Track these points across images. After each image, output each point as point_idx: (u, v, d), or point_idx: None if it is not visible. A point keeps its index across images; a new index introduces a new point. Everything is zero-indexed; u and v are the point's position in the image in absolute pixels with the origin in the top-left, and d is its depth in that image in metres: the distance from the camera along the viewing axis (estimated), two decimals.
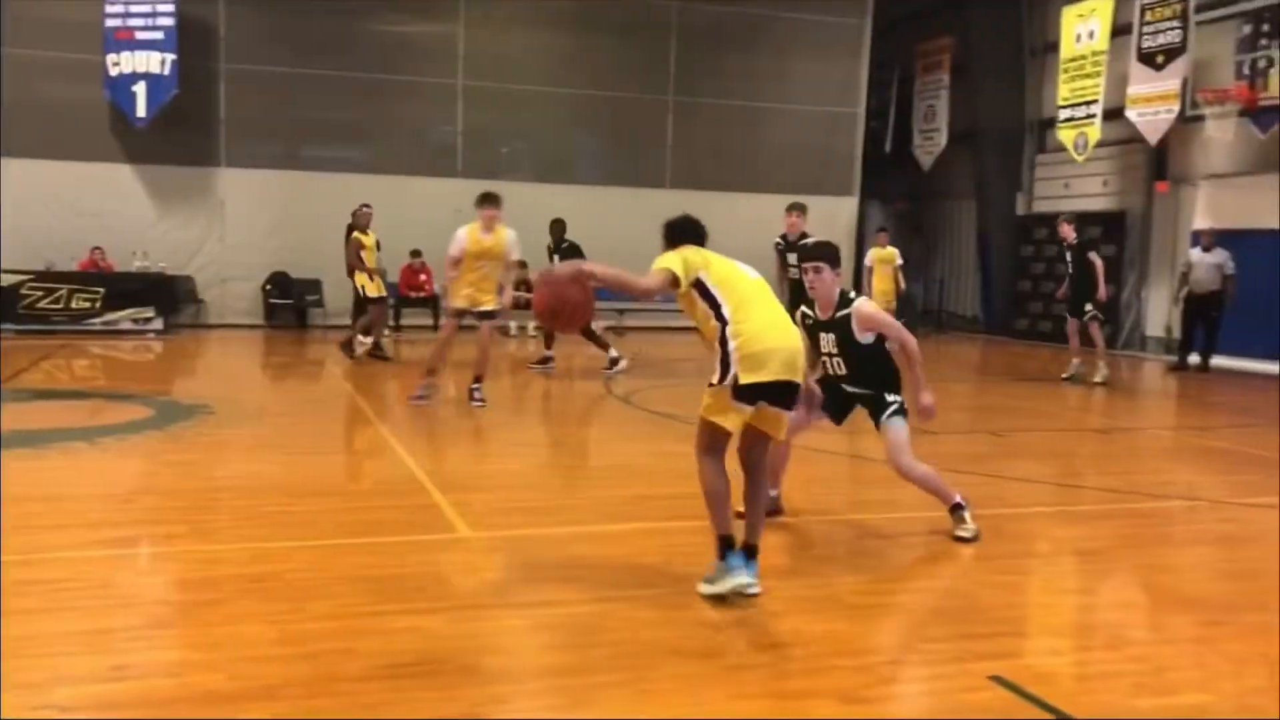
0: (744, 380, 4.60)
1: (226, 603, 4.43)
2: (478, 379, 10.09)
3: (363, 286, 13.58)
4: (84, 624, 4.16)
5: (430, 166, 19.38)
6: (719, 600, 4.57)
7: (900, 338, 5.77)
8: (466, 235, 9.99)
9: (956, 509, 5.87)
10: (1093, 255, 13.12)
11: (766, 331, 4.70)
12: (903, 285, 17.40)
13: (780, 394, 4.71)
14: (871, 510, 6.74)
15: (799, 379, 4.76)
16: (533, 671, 3.95)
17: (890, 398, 5.82)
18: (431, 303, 18.30)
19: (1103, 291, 13.00)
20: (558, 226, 13.77)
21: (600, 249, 18.64)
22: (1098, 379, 12.82)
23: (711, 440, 4.77)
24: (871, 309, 5.79)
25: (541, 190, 19.49)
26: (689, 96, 20.47)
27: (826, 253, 5.83)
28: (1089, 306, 13.04)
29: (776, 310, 4.86)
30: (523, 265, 17.79)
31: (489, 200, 10.11)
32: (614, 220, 19.33)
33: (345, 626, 4.19)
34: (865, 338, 5.71)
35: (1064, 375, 13.31)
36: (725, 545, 4.69)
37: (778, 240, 11.02)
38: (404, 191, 18.85)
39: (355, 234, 13.62)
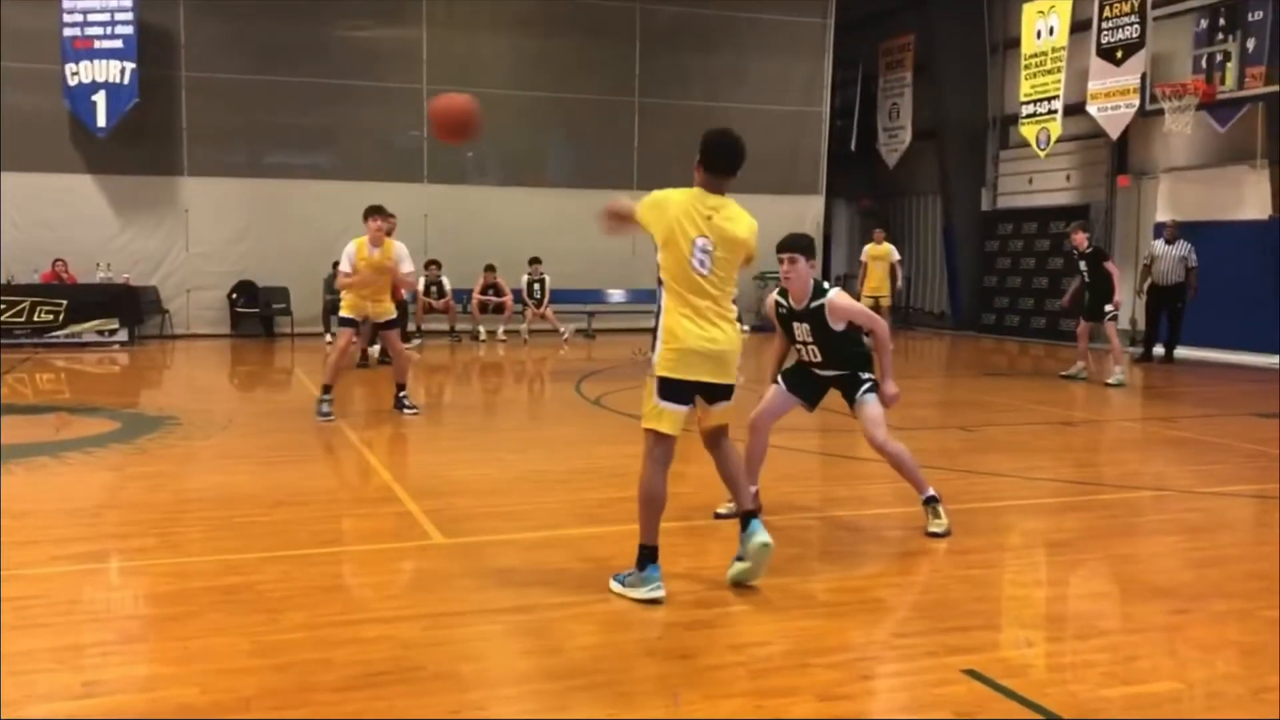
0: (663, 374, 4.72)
1: (199, 616, 4.40)
2: (401, 387, 10.07)
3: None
4: (54, 640, 4.11)
5: (396, 172, 19.28)
6: (648, 602, 4.59)
7: (872, 325, 5.90)
8: (355, 250, 9.84)
9: (930, 502, 5.92)
10: (1109, 264, 13.10)
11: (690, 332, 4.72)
12: (900, 282, 17.64)
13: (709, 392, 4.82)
14: (842, 507, 6.77)
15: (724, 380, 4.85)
16: (509, 677, 3.95)
17: (864, 375, 5.93)
18: (399, 307, 18.19)
19: (1119, 296, 13.03)
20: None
21: (568, 250, 18.86)
22: (1112, 380, 12.76)
23: (653, 445, 4.83)
24: (845, 300, 5.87)
25: (509, 193, 19.51)
26: (654, 98, 20.49)
27: (802, 244, 5.96)
28: (1109, 308, 12.98)
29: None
30: (435, 265, 17.73)
31: (375, 212, 9.95)
32: (582, 222, 19.28)
33: (320, 636, 4.18)
34: (838, 326, 5.81)
35: (1063, 373, 13.41)
36: (647, 556, 4.69)
37: None
38: (369, 198, 18.64)
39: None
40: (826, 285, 5.91)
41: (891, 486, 7.21)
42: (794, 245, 5.93)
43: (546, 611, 4.52)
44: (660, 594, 4.63)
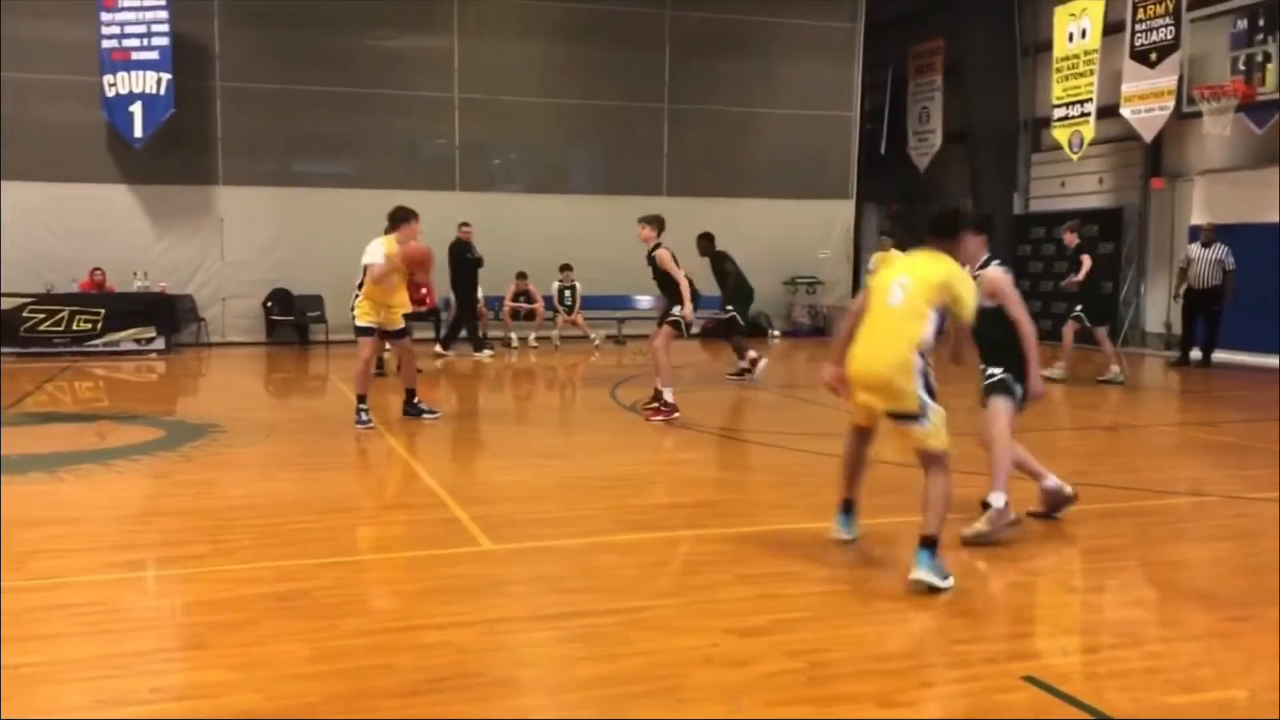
0: None
1: (257, 622, 4.44)
2: (411, 393, 10.12)
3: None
4: (115, 647, 4.16)
5: (427, 180, 19.38)
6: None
7: (1018, 316, 6.01)
8: (385, 245, 9.96)
9: (986, 506, 5.86)
10: (1084, 256, 13.46)
11: None
12: None
13: None
14: (892, 514, 6.75)
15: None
16: (568, 683, 3.96)
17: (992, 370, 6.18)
18: (433, 315, 18.28)
19: (1074, 283, 13.50)
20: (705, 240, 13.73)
21: (597, 257, 18.88)
22: (1108, 377, 12.94)
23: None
24: (999, 275, 5.98)
25: (539, 200, 19.58)
26: (684, 104, 20.51)
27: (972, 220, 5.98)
28: (1079, 309, 13.48)
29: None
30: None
31: (414, 217, 10.21)
32: (611, 229, 19.39)
33: (378, 642, 4.21)
34: (986, 302, 5.77)
35: (1100, 378, 13.31)
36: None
37: None
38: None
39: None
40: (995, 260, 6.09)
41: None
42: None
43: (600, 618, 4.54)
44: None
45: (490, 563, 5.45)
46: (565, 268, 18.49)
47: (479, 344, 16.76)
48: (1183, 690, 3.87)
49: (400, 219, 10.07)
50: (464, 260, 16.52)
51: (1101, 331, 13.45)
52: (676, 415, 9.96)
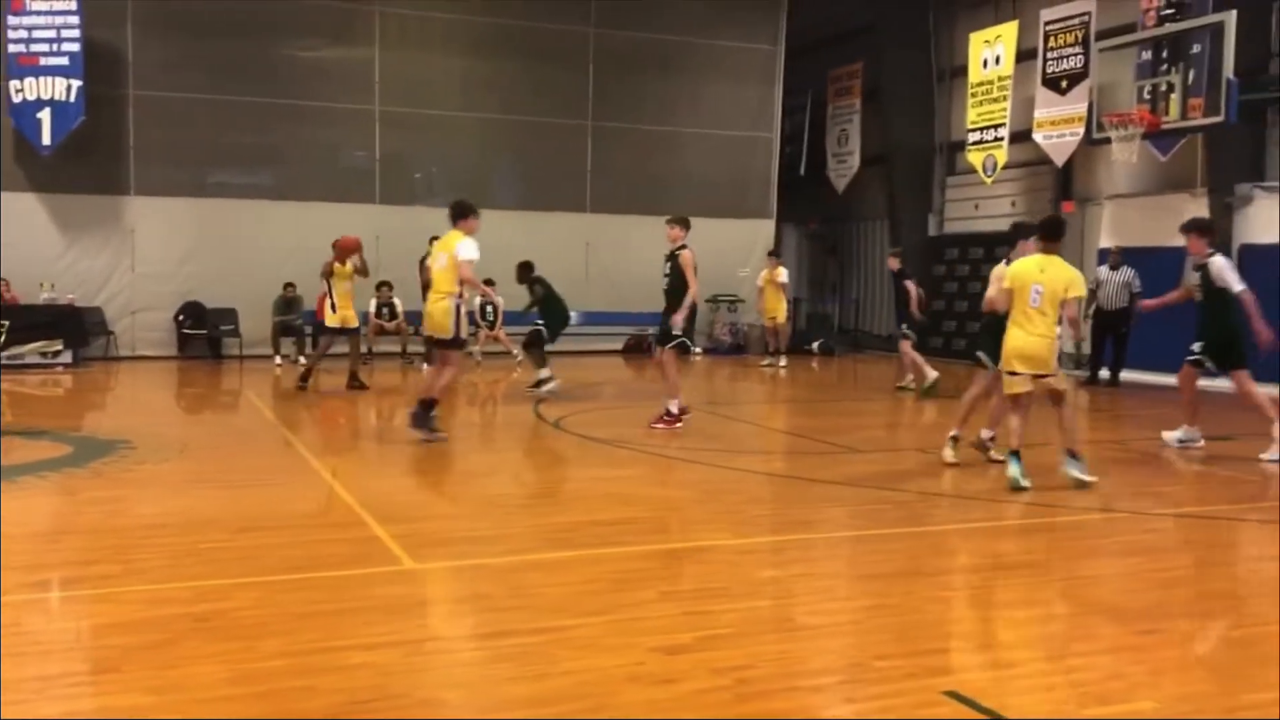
0: None
1: (173, 644, 4.32)
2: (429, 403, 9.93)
3: (322, 317, 13.93)
4: (24, 671, 4.02)
5: (347, 193, 19.17)
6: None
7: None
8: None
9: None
10: (907, 282, 14.80)
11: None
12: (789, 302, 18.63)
13: None
14: (813, 530, 6.82)
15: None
16: (494, 703, 3.92)
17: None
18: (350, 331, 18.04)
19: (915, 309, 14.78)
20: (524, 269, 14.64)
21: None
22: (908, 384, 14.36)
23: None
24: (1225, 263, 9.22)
25: None
26: (608, 121, 20.58)
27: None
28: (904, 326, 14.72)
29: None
30: (387, 286, 17.75)
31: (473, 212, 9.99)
32: (534, 245, 19.34)
33: (300, 664, 4.13)
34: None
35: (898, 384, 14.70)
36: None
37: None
38: (319, 218, 18.65)
39: (329, 261, 13.72)
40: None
41: (851, 509, 7.30)
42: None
43: (526, 637, 4.51)
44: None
45: (413, 582, 5.38)
46: (488, 282, 18.33)
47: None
48: (1097, 703, 3.96)
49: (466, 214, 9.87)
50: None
51: (906, 344, 14.59)
52: (679, 425, 10.26)
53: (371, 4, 19.05)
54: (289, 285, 17.69)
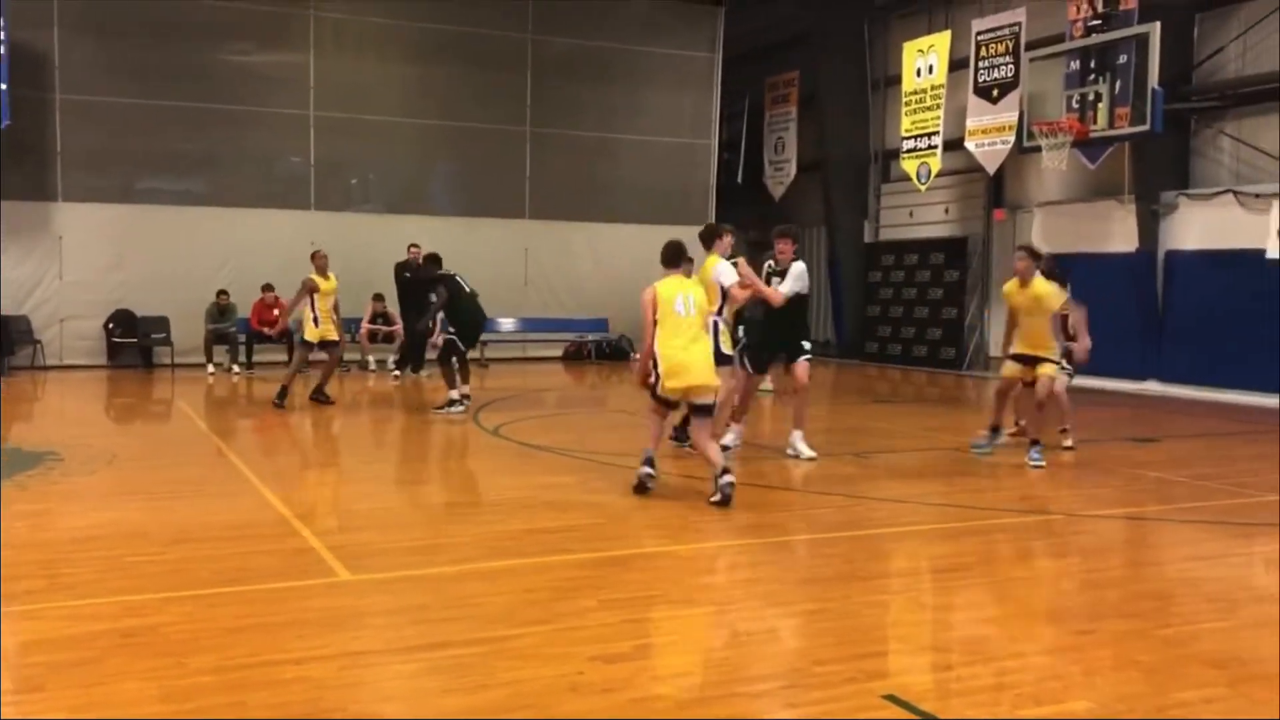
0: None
1: (100, 661, 4.21)
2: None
3: (303, 330, 13.19)
4: None
5: (281, 199, 18.94)
6: None
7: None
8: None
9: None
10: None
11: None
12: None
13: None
14: (749, 535, 6.84)
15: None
16: (432, 716, 3.87)
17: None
18: (285, 338, 17.80)
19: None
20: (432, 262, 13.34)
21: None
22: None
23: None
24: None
25: (397, 221, 19.24)
26: (546, 128, 20.55)
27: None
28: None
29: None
30: (379, 298, 17.66)
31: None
32: (472, 250, 19.24)
33: (230, 680, 4.04)
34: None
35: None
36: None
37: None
38: (253, 224, 18.41)
39: (310, 276, 13.12)
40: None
41: (792, 514, 7.33)
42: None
43: (464, 648, 4.45)
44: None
45: (348, 594, 5.30)
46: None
47: (416, 366, 16.75)
48: (1033, 704, 4.00)
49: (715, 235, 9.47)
50: (404, 281, 16.22)
51: None
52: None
53: (306, 8, 18.85)
54: (222, 293, 17.43)
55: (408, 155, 20.04)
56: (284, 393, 12.63)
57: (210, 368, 17.08)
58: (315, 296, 13.00)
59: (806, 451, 9.40)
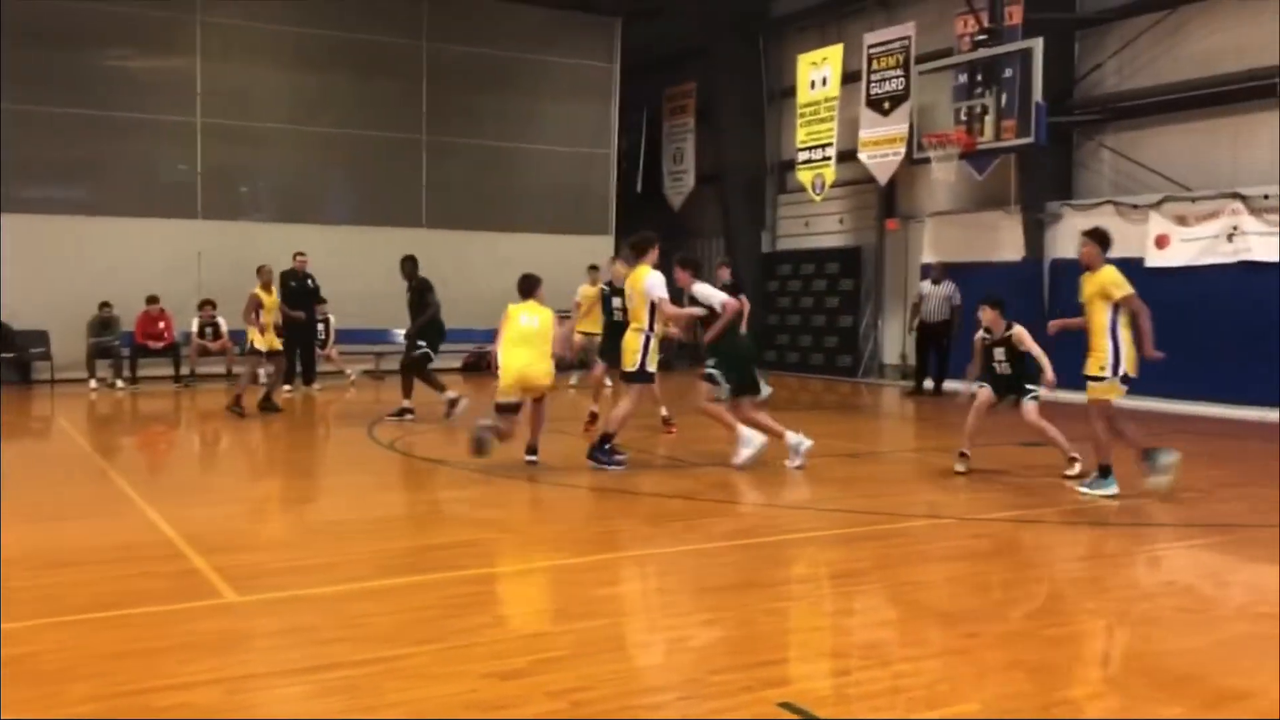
0: None
1: None
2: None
3: (252, 340, 13.48)
4: None
5: (167, 208, 18.41)
6: None
7: (1036, 353, 9.23)
8: None
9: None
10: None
11: None
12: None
13: None
14: (646, 545, 6.83)
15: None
16: None
17: (1029, 386, 9.22)
18: (172, 351, 17.29)
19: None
20: (409, 263, 13.28)
21: (353, 289, 18.40)
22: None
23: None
24: (1022, 332, 9.32)
25: (288, 230, 18.83)
26: (443, 136, 20.37)
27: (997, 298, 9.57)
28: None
29: None
30: (210, 305, 17.18)
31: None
32: (367, 260, 18.98)
33: (109, 708, 3.87)
34: (1021, 348, 9.25)
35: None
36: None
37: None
38: (137, 234, 17.88)
39: (255, 291, 13.57)
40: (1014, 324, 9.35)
41: (690, 523, 7.35)
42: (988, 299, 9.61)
43: (354, 669, 4.34)
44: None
45: (235, 616, 5.14)
46: (319, 300, 17.88)
47: (177, 377, 16.70)
48: (926, 707, 4.06)
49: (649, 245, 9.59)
50: (292, 290, 15.75)
51: None
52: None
53: (192, 13, 18.38)
54: (105, 305, 16.86)
55: (301, 163, 19.66)
56: (238, 400, 13.05)
57: (93, 383, 16.50)
58: (260, 309, 13.45)
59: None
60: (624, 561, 6.40)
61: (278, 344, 13.73)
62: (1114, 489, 8.10)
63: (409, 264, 13.25)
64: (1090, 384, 8.20)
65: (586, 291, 16.92)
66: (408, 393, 12.86)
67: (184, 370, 17.24)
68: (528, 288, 9.58)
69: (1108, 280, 8.18)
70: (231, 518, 7.71)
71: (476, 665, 4.36)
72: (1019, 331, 9.37)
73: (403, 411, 12.75)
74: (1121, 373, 8.06)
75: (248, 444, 12.04)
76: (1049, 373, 9.18)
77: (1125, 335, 8.07)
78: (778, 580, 5.93)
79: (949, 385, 16.43)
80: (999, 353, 9.44)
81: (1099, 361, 8.12)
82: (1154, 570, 6.40)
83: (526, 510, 7.94)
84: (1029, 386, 9.31)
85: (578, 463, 9.38)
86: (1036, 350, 9.30)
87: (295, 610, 5.22)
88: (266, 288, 13.79)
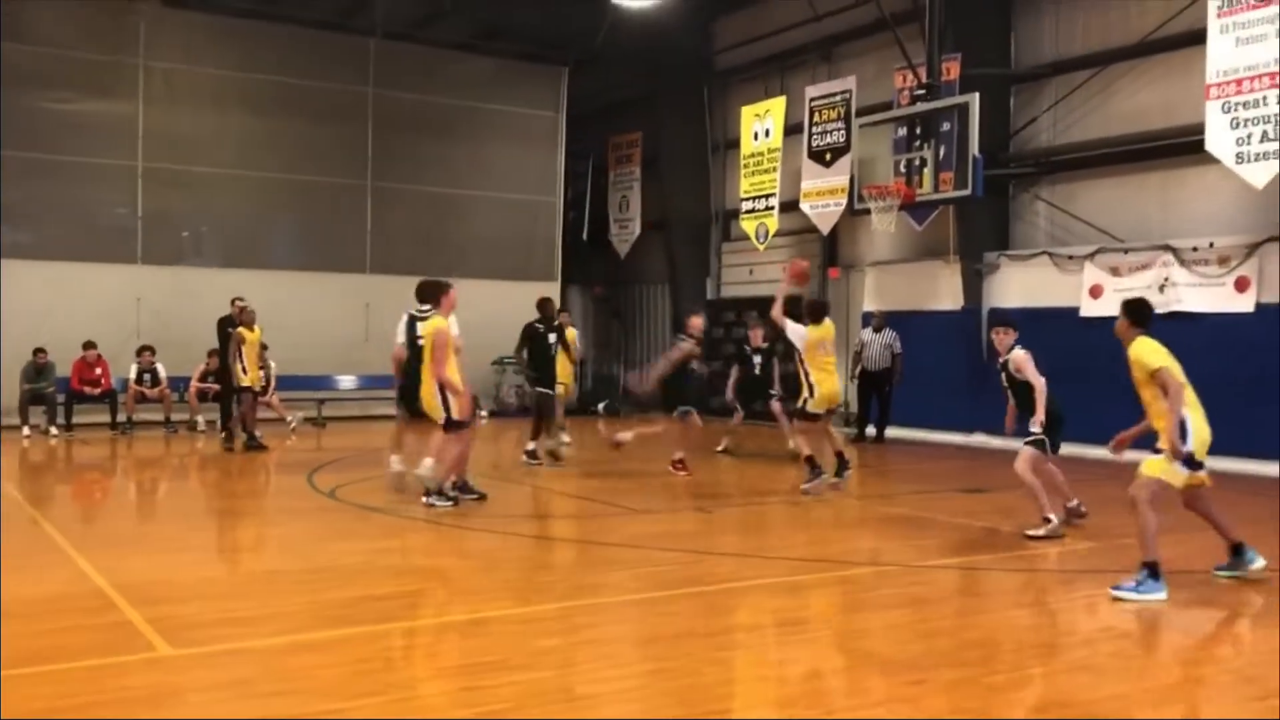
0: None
1: None
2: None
3: (238, 380, 14.41)
4: None
5: (106, 252, 18.15)
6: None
7: (1036, 382, 8.66)
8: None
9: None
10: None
11: None
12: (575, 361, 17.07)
13: None
14: (590, 595, 6.79)
15: None
16: None
17: (1033, 430, 8.67)
18: (109, 398, 16.97)
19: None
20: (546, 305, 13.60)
21: (296, 334, 18.22)
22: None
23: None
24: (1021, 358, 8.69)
25: (231, 276, 18.59)
26: (388, 182, 20.33)
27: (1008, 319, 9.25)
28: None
29: None
30: (149, 351, 16.95)
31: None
32: (311, 305, 18.84)
33: None
34: (1019, 376, 8.68)
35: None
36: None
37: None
38: (75, 278, 17.59)
39: (238, 329, 14.54)
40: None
41: (635, 571, 7.32)
42: (1001, 320, 9.25)
43: None
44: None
45: (168, 670, 5.01)
46: (261, 346, 17.66)
47: (114, 424, 16.81)
48: None
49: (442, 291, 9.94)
50: (227, 337, 15.46)
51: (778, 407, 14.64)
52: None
53: (135, 57, 18.25)
54: (40, 350, 16.52)
55: (244, 208, 19.49)
56: (251, 436, 14.35)
57: (26, 430, 16.12)
58: (243, 347, 14.33)
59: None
60: (568, 611, 6.35)
61: (259, 381, 14.82)
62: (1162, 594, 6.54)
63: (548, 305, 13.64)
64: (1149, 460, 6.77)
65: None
66: (537, 433, 13.21)
67: (121, 417, 16.90)
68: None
69: (1141, 353, 6.90)
70: (166, 568, 7.54)
71: (420, 709, 4.30)
72: (1017, 356, 8.75)
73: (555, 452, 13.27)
74: (1187, 451, 6.63)
75: (184, 492, 11.82)
76: (1039, 410, 8.59)
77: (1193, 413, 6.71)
78: (722, 629, 5.92)
79: (891, 433, 16.61)
80: (1002, 378, 8.93)
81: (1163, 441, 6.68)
82: (1092, 617, 6.48)
83: (469, 559, 7.86)
84: (1032, 430, 8.67)
85: (524, 509, 9.33)
86: (1036, 380, 8.65)
87: (231, 663, 5.11)
88: (249, 325, 14.52)
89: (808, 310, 10.98)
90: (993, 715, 4.50)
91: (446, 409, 9.49)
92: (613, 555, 7.95)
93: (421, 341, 9.71)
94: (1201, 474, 6.77)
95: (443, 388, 9.44)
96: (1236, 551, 6.99)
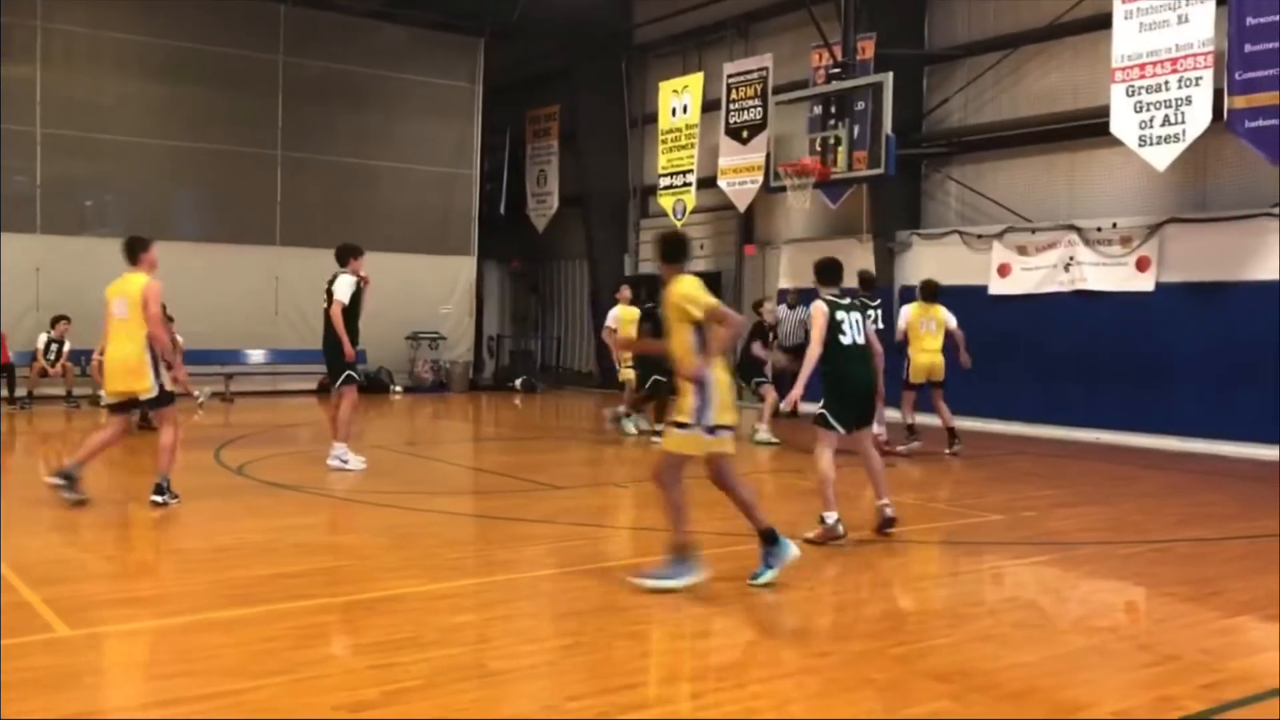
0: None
1: None
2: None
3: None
4: None
5: (3, 221, 17.49)
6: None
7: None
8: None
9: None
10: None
11: None
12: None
13: None
14: (503, 571, 6.76)
15: None
16: None
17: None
18: (6, 371, 16.42)
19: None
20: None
21: (202, 307, 17.79)
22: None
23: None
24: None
25: None
26: (299, 152, 19.90)
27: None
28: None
29: None
30: (66, 320, 16.42)
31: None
32: (220, 279, 18.42)
33: None
34: None
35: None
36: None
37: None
38: None
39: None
40: None
41: (550, 547, 7.31)
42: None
43: (195, 705, 4.17)
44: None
45: (66, 651, 4.87)
46: (168, 318, 17.19)
47: (12, 399, 16.23)
48: None
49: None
50: None
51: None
52: None
53: (32, 19, 17.57)
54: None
55: (150, 177, 18.93)
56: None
57: None
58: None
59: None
60: (480, 588, 6.32)
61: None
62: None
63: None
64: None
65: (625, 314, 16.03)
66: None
67: (20, 392, 16.38)
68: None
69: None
70: (64, 547, 7.34)
71: (327, 697, 4.24)
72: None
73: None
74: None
75: (86, 469, 11.47)
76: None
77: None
78: (637, 604, 5.93)
79: (805, 408, 16.77)
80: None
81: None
82: (996, 587, 6.63)
83: (380, 536, 7.76)
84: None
85: (441, 486, 9.25)
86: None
87: (132, 644, 4.99)
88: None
89: (922, 290, 12.40)
90: (897, 685, 4.58)
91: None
92: (527, 531, 7.93)
93: None
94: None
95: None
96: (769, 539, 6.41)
